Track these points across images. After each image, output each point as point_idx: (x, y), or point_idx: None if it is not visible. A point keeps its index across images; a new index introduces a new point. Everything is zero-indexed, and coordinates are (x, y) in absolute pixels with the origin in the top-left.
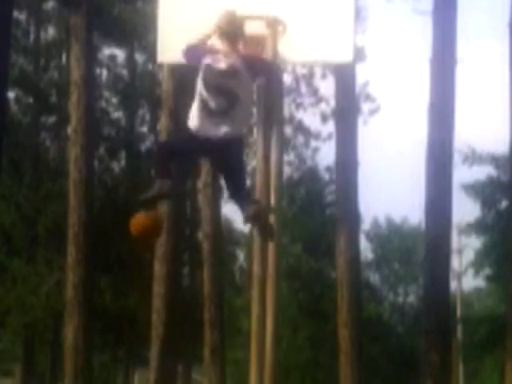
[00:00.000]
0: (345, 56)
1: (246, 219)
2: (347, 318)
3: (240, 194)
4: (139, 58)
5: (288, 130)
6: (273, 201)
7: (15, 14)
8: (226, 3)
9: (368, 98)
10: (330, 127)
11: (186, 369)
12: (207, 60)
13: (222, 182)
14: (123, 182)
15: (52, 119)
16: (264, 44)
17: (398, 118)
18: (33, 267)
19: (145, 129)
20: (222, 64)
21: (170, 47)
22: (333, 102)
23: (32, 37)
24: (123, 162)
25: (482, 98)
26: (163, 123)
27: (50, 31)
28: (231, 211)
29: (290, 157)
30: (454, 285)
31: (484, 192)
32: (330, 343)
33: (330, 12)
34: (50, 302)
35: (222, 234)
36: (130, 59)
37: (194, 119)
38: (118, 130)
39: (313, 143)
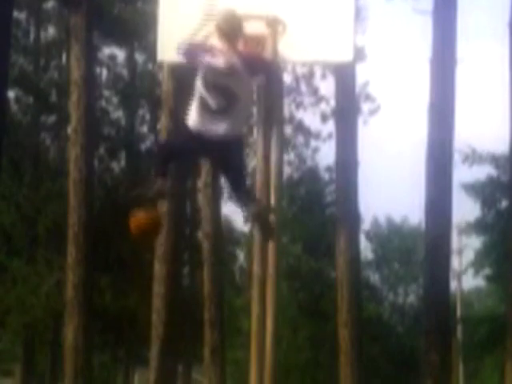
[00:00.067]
0: (345, 56)
1: (247, 218)
2: (347, 317)
3: (241, 194)
4: (139, 57)
5: (288, 130)
6: (273, 201)
7: (15, 13)
8: (226, 3)
9: (368, 97)
10: (330, 127)
11: (186, 369)
12: (206, 59)
13: (223, 181)
14: (123, 181)
15: (52, 119)
16: (264, 44)
17: (398, 117)
18: (33, 267)
19: (145, 129)
20: (221, 63)
21: (170, 46)
22: (333, 102)
23: (32, 36)
24: (123, 162)
25: (482, 98)
26: (163, 123)
27: (50, 31)
28: (231, 211)
29: (289, 157)
30: (454, 285)
31: (484, 192)
32: (330, 343)
33: (330, 12)
34: (50, 302)
35: (222, 233)
36: (130, 59)
37: (193, 118)
38: (118, 130)
39: (313, 143)
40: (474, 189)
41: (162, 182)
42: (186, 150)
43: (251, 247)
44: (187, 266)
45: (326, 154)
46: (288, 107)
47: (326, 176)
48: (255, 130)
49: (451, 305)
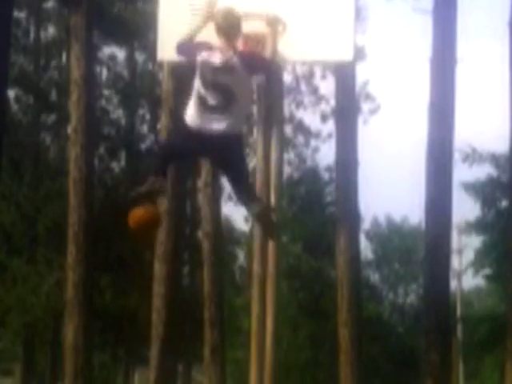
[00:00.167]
0: (345, 55)
1: (252, 217)
2: (347, 317)
3: (244, 192)
4: (139, 57)
5: (288, 130)
6: (273, 200)
7: (15, 13)
8: (227, 2)
9: (368, 97)
10: (330, 127)
11: (186, 368)
12: (203, 56)
13: (226, 181)
14: (123, 181)
15: (52, 118)
16: (264, 43)
17: (398, 117)
18: (33, 266)
19: (145, 128)
20: (218, 60)
21: (170, 45)
22: (333, 102)
23: (32, 36)
24: (123, 162)
25: (482, 98)
26: (163, 123)
27: (50, 30)
28: (231, 210)
29: (290, 156)
30: (454, 284)
31: (484, 191)
32: (330, 342)
33: (330, 11)
34: (50, 302)
35: (222, 233)
36: (130, 58)
37: (191, 115)
38: (118, 130)
39: (313, 143)
40: (474, 188)
41: (160, 180)
42: (187, 150)
43: (251, 247)
44: (187, 266)
45: (325, 154)
46: (288, 107)
47: (325, 176)
48: (255, 130)
49: (451, 304)
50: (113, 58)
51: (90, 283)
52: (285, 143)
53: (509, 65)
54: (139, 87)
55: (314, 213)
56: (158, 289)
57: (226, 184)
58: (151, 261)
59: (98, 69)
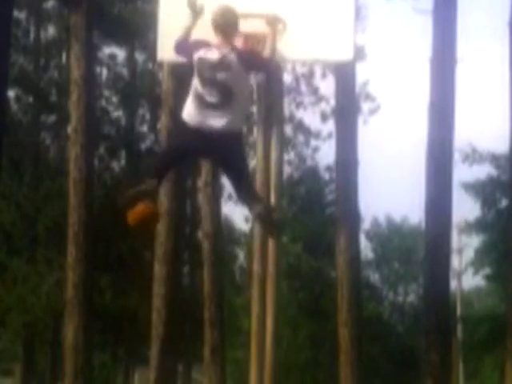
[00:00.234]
0: (345, 54)
1: (254, 216)
2: (347, 317)
3: (245, 191)
4: (139, 57)
5: (288, 130)
6: (273, 200)
7: (15, 13)
8: (227, 1)
9: (368, 97)
10: (330, 126)
11: (186, 368)
12: (200, 53)
13: (226, 180)
14: (123, 181)
15: (52, 118)
16: (265, 42)
17: (398, 117)
18: (33, 266)
19: (145, 128)
20: (213, 56)
21: (170, 45)
22: (333, 101)
23: (32, 36)
24: (123, 162)
25: (483, 98)
26: (163, 122)
27: (50, 30)
28: (231, 210)
29: (290, 156)
30: (454, 284)
31: (484, 191)
32: (330, 342)
33: (330, 10)
34: (50, 302)
35: (222, 233)
36: (130, 58)
37: (190, 113)
38: (118, 129)
39: (313, 142)
40: (474, 188)
41: (154, 183)
42: (187, 151)
43: (251, 247)
44: (187, 266)
45: (325, 154)
46: (288, 106)
47: (326, 175)
48: (255, 130)
49: (451, 304)
50: (113, 57)
51: (90, 283)
52: (285, 143)
53: (509, 65)
54: (139, 87)
55: (314, 213)
56: (158, 289)
57: (226, 184)
58: (151, 261)
59: (98, 69)
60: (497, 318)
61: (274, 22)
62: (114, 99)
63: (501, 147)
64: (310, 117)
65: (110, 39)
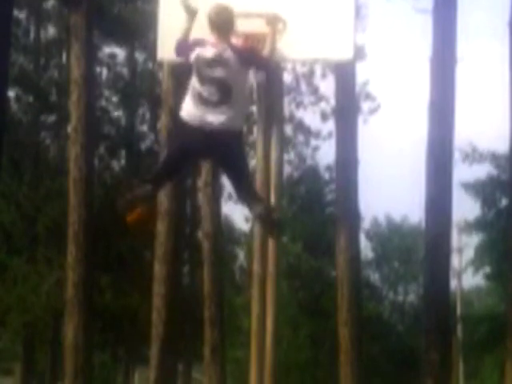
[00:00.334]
0: (345, 54)
1: (254, 216)
2: (347, 316)
3: (245, 191)
4: (139, 56)
5: (288, 129)
6: (273, 200)
7: (15, 12)
8: (227, 1)
9: (368, 96)
10: (330, 126)
11: (186, 367)
12: (197, 51)
13: (226, 180)
14: (123, 180)
15: (52, 118)
16: (265, 42)
17: (398, 116)
18: (33, 266)
19: (145, 128)
20: (210, 53)
21: (170, 45)
22: (333, 101)
23: (32, 35)
24: (123, 161)
25: (483, 97)
26: (163, 122)
27: (50, 30)
28: (231, 210)
29: (290, 156)
30: (454, 283)
31: (484, 190)
32: (330, 342)
33: (330, 10)
34: (50, 301)
35: (222, 233)
36: (130, 58)
37: (189, 111)
38: (118, 129)
39: (313, 142)
40: (474, 187)
41: (149, 188)
42: (187, 152)
43: (251, 246)
44: (187, 266)
45: (326, 153)
46: (288, 106)
47: (326, 175)
48: (255, 129)
49: (451, 303)
50: (113, 57)
51: (90, 283)
52: (285, 143)
53: (509, 65)
54: (139, 87)
55: (314, 212)
56: (158, 288)
57: (226, 183)
58: (151, 260)
59: (98, 69)
60: (497, 318)
61: (274, 21)
62: (114, 99)
63: (501, 147)
64: (309, 116)
65: (109, 39)
